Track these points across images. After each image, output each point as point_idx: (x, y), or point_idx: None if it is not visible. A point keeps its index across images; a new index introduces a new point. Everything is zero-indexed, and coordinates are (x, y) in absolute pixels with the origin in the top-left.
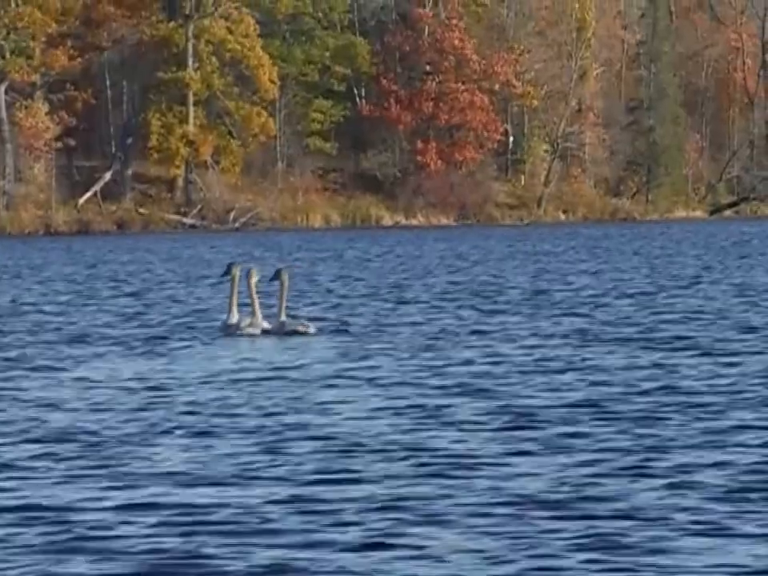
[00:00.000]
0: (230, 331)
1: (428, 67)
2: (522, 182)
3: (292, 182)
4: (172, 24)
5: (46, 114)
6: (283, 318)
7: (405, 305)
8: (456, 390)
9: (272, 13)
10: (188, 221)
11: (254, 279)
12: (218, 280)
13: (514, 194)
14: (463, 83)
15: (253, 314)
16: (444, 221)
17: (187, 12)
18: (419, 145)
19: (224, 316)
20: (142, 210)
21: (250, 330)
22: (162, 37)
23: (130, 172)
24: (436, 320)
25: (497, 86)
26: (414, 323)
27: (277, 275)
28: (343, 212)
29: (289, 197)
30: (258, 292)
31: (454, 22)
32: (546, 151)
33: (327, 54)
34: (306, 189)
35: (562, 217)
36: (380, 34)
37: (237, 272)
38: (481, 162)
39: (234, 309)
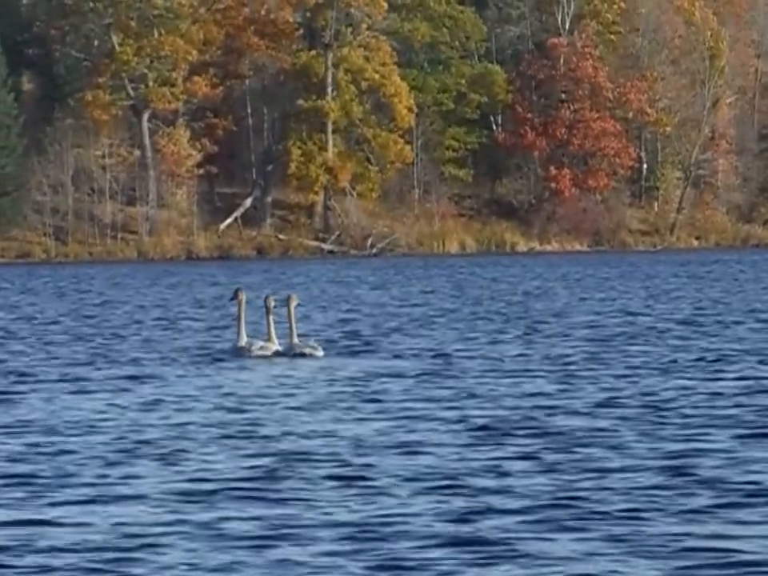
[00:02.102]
0: (240, 353)
1: (563, 95)
2: (655, 209)
3: (428, 208)
4: (312, 53)
5: (188, 141)
6: (295, 340)
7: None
8: None
9: (409, 41)
10: (326, 246)
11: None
12: (226, 304)
13: (647, 220)
14: (597, 111)
15: (269, 338)
16: (578, 247)
17: (326, 41)
18: (553, 171)
19: (237, 339)
20: (281, 236)
21: (261, 353)
22: (302, 65)
23: (269, 198)
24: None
25: (630, 114)
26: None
27: (287, 299)
28: (478, 238)
29: (425, 222)
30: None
31: (589, 50)
32: (679, 178)
33: (463, 81)
34: (442, 215)
35: (695, 243)
36: (516, 62)
37: (242, 297)
38: (614, 188)
39: (243, 332)
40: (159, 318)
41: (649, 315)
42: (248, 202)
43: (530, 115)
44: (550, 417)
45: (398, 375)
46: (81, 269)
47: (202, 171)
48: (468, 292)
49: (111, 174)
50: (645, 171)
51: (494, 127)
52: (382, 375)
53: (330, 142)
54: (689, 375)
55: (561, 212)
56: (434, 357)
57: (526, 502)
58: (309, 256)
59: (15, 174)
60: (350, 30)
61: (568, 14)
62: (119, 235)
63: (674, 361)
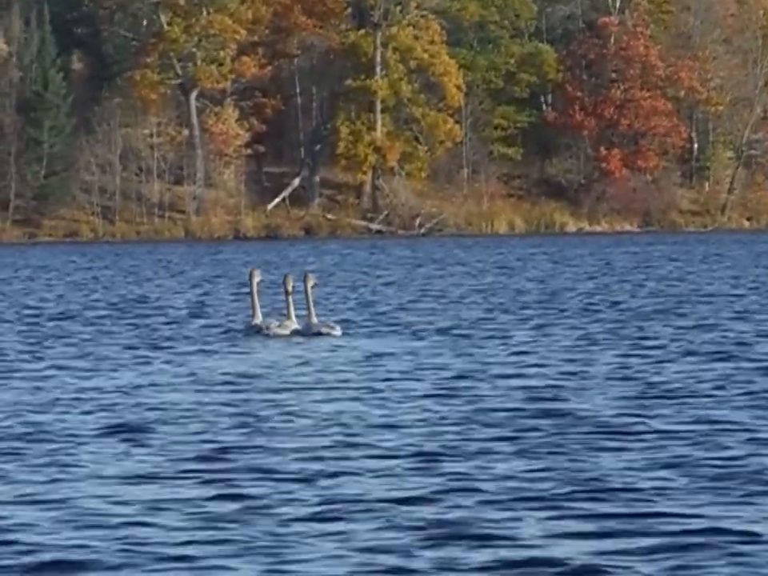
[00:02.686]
0: (253, 332)
1: (613, 74)
2: (706, 189)
3: (477, 188)
4: (361, 32)
5: (236, 120)
6: (313, 319)
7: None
8: None
9: (459, 20)
10: (374, 226)
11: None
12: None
13: (698, 200)
14: (648, 90)
15: (288, 316)
16: (627, 227)
17: (375, 20)
18: (603, 151)
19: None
20: (329, 216)
21: (279, 331)
22: (351, 45)
23: (317, 178)
24: None
25: (681, 93)
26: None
27: (302, 279)
28: (527, 218)
29: (474, 202)
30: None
31: (640, 29)
32: (730, 158)
33: (512, 61)
34: (491, 195)
35: (746, 224)
36: (566, 41)
37: (256, 276)
38: (665, 168)
39: (257, 311)
40: (188, 298)
41: None
42: (296, 181)
43: (579, 94)
44: (557, 402)
45: (411, 354)
46: (128, 248)
47: (250, 151)
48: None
49: (159, 154)
50: (696, 151)
51: (544, 107)
52: (394, 355)
53: (379, 122)
54: None
55: (611, 192)
56: (452, 336)
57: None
58: (357, 236)
59: (64, 154)
60: (399, 8)
61: None
62: (167, 214)
63: None
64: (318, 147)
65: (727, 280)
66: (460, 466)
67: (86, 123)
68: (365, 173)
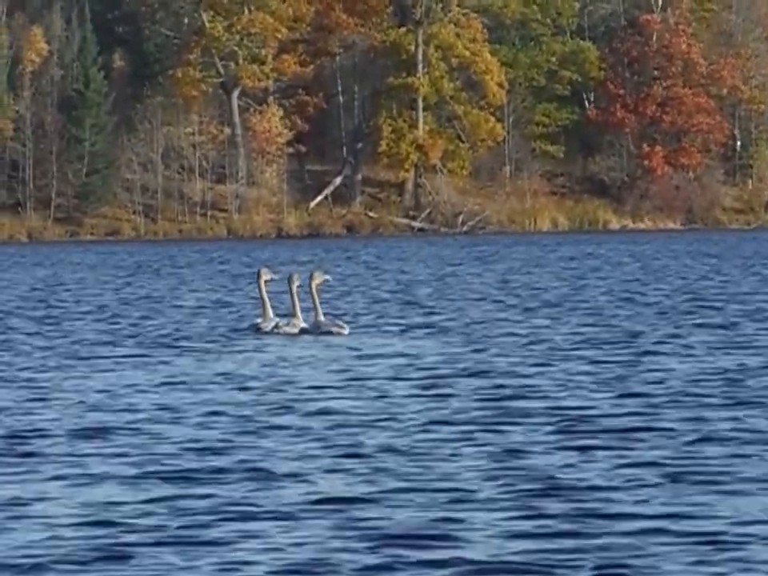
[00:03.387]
0: (260, 331)
1: (655, 72)
2: (749, 187)
3: (520, 186)
4: (402, 30)
5: (279, 119)
6: (321, 317)
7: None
8: None
9: (500, 18)
10: (417, 224)
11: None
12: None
13: (741, 198)
14: (690, 88)
15: (294, 314)
16: (671, 225)
17: (417, 18)
18: (645, 149)
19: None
20: (371, 214)
21: (287, 330)
22: (393, 42)
23: (360, 176)
24: None
25: (724, 91)
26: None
27: (309, 277)
28: (570, 215)
29: (516, 200)
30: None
31: (682, 27)
32: None
33: (554, 59)
34: (534, 192)
35: None
36: (608, 39)
37: (264, 275)
38: (707, 166)
39: (267, 310)
40: (203, 295)
41: None
42: (338, 179)
43: (621, 92)
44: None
45: (417, 356)
46: (170, 246)
47: (292, 149)
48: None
49: (201, 152)
50: (739, 148)
51: (586, 104)
52: (401, 355)
53: (421, 120)
54: None
55: (654, 190)
56: (473, 337)
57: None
58: (399, 234)
59: (105, 152)
60: (440, 6)
61: None
62: (209, 213)
63: None
64: (360, 145)
65: None
66: (418, 467)
67: (128, 121)
68: (407, 171)
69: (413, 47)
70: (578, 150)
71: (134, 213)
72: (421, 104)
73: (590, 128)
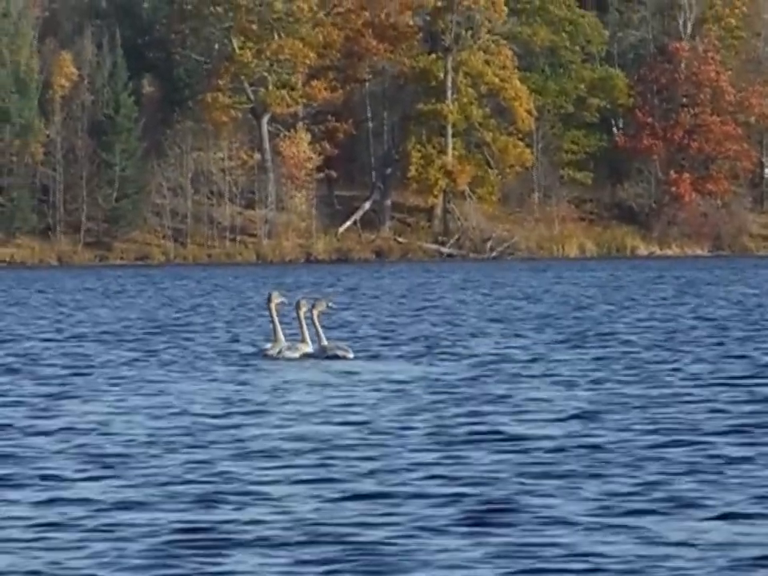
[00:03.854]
0: (269, 355)
1: (684, 99)
2: None
3: (548, 212)
4: (432, 56)
5: (308, 144)
6: (324, 342)
7: None
8: None
9: (530, 45)
10: (446, 250)
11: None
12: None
13: None
14: (718, 115)
15: (302, 339)
16: (698, 251)
17: (446, 44)
18: (673, 175)
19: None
20: (400, 239)
21: (289, 354)
22: (422, 69)
23: (389, 201)
24: None
25: (752, 118)
26: None
27: (312, 306)
28: (598, 242)
29: (545, 226)
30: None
31: (711, 54)
32: None
33: (583, 86)
34: (562, 218)
35: None
36: (637, 66)
37: (275, 299)
38: (735, 193)
39: (278, 334)
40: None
41: None
42: (367, 205)
43: (650, 119)
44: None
45: (414, 380)
46: (198, 271)
47: (321, 174)
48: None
49: (230, 177)
50: (766, 176)
51: (615, 131)
52: (399, 381)
53: (450, 146)
54: None
55: (681, 216)
56: (472, 365)
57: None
58: (428, 259)
59: (135, 177)
60: (470, 33)
61: (690, 18)
62: (238, 238)
63: None
64: (389, 171)
65: None
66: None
67: (158, 146)
68: (436, 196)
69: (442, 74)
70: (607, 177)
71: (164, 237)
72: (450, 130)
73: (618, 155)
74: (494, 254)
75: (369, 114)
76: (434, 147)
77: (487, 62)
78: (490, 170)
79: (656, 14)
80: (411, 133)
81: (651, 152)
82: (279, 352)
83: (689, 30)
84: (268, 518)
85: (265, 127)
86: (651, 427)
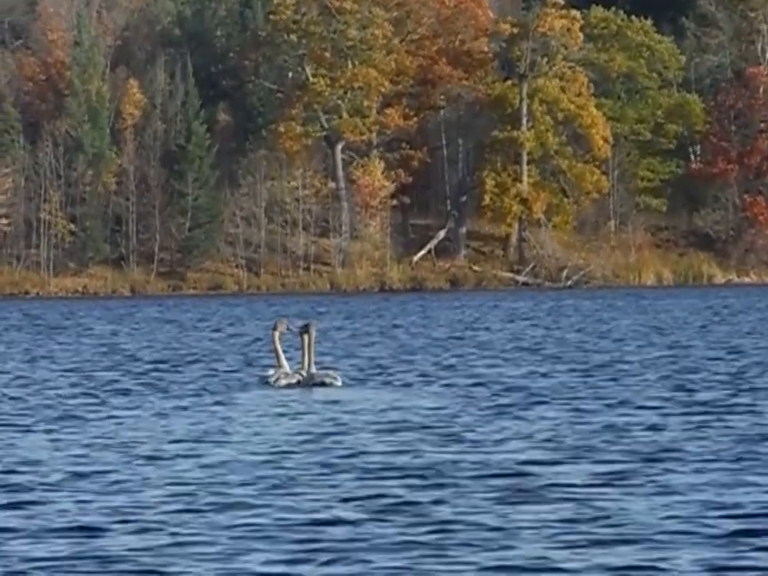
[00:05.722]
0: (266, 383)
1: (761, 124)
2: None
3: (624, 239)
4: (507, 83)
5: (382, 172)
6: (313, 369)
7: None
8: None
9: (606, 72)
10: (521, 278)
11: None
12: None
13: None
14: None
15: (279, 364)
16: None
17: (522, 72)
18: (748, 200)
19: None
20: (475, 268)
21: (281, 382)
22: (497, 96)
23: (464, 230)
24: None
25: None
26: None
27: (305, 329)
28: (675, 269)
29: (621, 254)
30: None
31: None
32: None
33: (660, 112)
34: (639, 246)
35: None
36: (714, 92)
37: (280, 327)
38: None
39: (282, 361)
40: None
41: None
42: (442, 233)
43: (725, 145)
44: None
45: (395, 409)
46: (273, 299)
47: (395, 202)
48: None
49: (304, 206)
50: None
51: (692, 157)
52: (374, 408)
53: (525, 173)
54: None
55: (759, 243)
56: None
57: None
58: (503, 288)
59: (208, 206)
60: (545, 60)
61: None
62: (312, 267)
63: None
64: (464, 199)
65: None
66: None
67: (231, 175)
68: (510, 225)
69: (517, 101)
70: (683, 204)
71: (237, 267)
72: (525, 158)
73: (695, 181)
74: (569, 282)
75: (443, 142)
76: (508, 175)
77: (563, 89)
78: (565, 198)
79: (733, 39)
80: (486, 160)
81: (727, 178)
82: (277, 380)
83: (767, 56)
84: None
85: (338, 155)
86: None
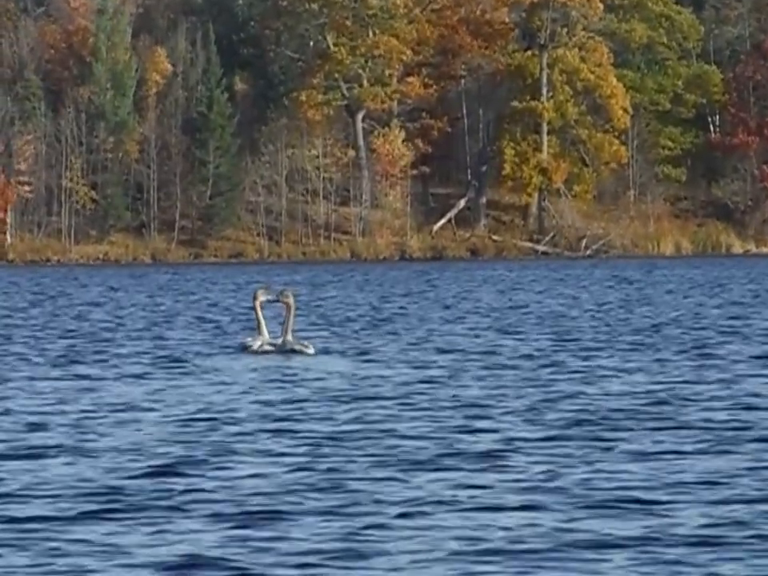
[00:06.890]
0: (246, 350)
1: None
2: None
3: (643, 209)
4: (527, 54)
5: (402, 141)
6: (289, 337)
7: None
8: None
9: (626, 42)
10: (540, 248)
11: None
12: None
13: None
14: None
15: (259, 331)
16: None
17: (542, 41)
18: (767, 171)
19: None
20: (495, 237)
21: (267, 348)
22: (517, 66)
23: (484, 199)
24: None
25: None
26: None
27: (282, 295)
28: (694, 239)
29: (640, 224)
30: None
31: None
32: None
33: (679, 82)
34: (658, 216)
35: None
36: (733, 63)
37: (260, 297)
38: None
39: (262, 329)
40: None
41: None
42: (462, 202)
43: (744, 116)
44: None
45: (364, 376)
46: (293, 267)
47: (415, 172)
48: None
49: (325, 175)
50: None
51: (711, 128)
52: (345, 375)
53: (545, 143)
54: None
55: None
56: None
57: None
58: (522, 257)
59: (229, 174)
60: (565, 30)
61: None
62: (332, 235)
63: None
64: (484, 168)
65: None
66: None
67: (252, 144)
68: (530, 194)
69: (537, 71)
70: (702, 174)
71: (258, 235)
72: (545, 128)
73: (714, 152)
74: (588, 251)
75: (464, 112)
76: (528, 145)
77: (583, 59)
78: (585, 168)
79: (752, 11)
80: (506, 130)
81: (747, 148)
82: (260, 346)
83: None
84: None
85: (359, 124)
86: None
